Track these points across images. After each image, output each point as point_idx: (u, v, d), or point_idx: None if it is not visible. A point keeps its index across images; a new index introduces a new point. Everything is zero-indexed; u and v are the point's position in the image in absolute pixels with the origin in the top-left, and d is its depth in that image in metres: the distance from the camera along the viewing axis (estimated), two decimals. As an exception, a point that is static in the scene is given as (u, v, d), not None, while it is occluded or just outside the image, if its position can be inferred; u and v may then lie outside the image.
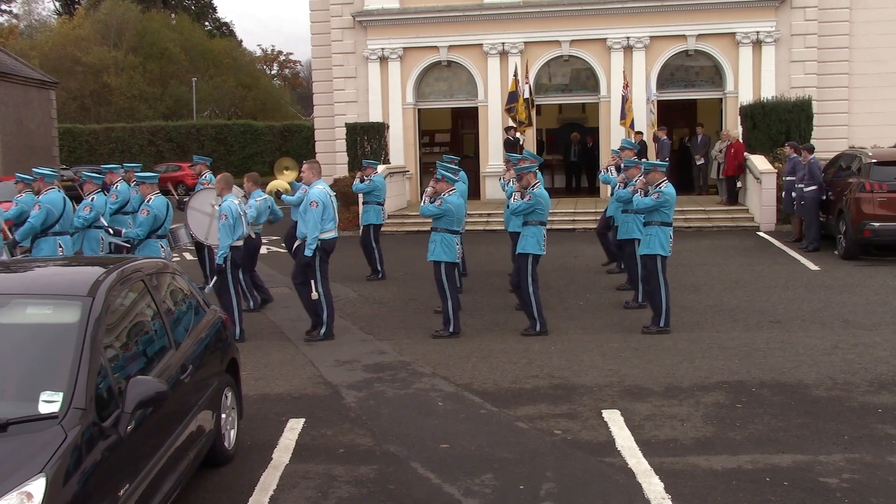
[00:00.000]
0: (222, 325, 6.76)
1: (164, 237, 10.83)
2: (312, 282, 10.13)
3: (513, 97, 21.97)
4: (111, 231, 11.36)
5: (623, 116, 22.02)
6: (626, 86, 22.39)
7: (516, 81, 21.99)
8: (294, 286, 10.61)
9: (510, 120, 22.39)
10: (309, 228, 10.00)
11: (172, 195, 18.07)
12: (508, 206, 11.34)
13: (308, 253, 9.99)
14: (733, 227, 19.59)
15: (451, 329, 10.19)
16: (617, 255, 13.58)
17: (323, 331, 10.23)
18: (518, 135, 22.11)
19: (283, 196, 13.32)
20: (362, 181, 14.68)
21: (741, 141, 21.16)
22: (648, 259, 10.14)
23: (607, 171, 13.76)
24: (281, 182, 13.98)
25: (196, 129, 47.87)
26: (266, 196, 12.07)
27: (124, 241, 10.94)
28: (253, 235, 11.82)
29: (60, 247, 11.04)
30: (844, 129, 23.92)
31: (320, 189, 10.21)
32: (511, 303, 11.59)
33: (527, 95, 21.93)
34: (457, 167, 12.27)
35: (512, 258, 12.24)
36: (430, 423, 7.23)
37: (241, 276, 11.77)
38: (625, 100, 22.10)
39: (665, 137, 21.93)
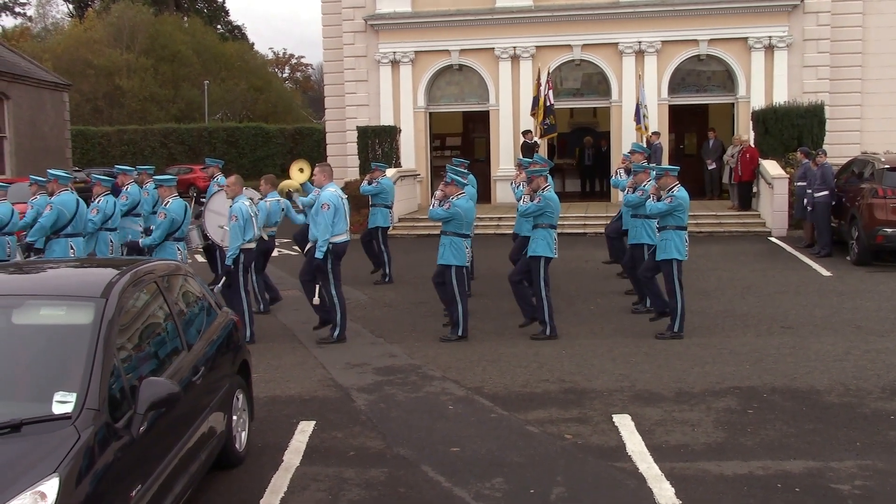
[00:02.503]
0: (234, 327, 6.78)
1: (181, 240, 10.83)
2: (317, 286, 10.15)
3: (535, 101, 22.03)
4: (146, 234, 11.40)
5: (638, 119, 21.97)
6: (643, 86, 22.32)
7: (538, 86, 22.03)
8: (301, 284, 10.62)
9: (533, 123, 22.42)
10: (319, 231, 10.01)
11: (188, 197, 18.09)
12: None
13: (319, 255, 10.00)
14: (745, 232, 19.52)
15: (459, 333, 10.20)
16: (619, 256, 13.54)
17: (336, 333, 10.24)
18: (536, 139, 22.13)
19: (297, 197, 13.31)
20: (370, 183, 14.69)
21: (753, 146, 21.07)
22: (664, 263, 10.12)
23: (618, 174, 13.73)
24: (292, 182, 13.99)
25: (208, 131, 48.06)
26: (280, 198, 12.08)
27: (144, 247, 10.89)
28: (266, 237, 11.84)
29: (72, 248, 11.05)
30: (857, 135, 23.83)
31: (332, 192, 10.22)
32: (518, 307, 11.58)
33: (550, 101, 21.96)
34: (466, 171, 12.28)
35: (510, 257, 12.26)
36: (441, 426, 7.24)
37: (252, 277, 11.81)
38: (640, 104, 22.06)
39: (658, 142, 21.86)
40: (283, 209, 12.03)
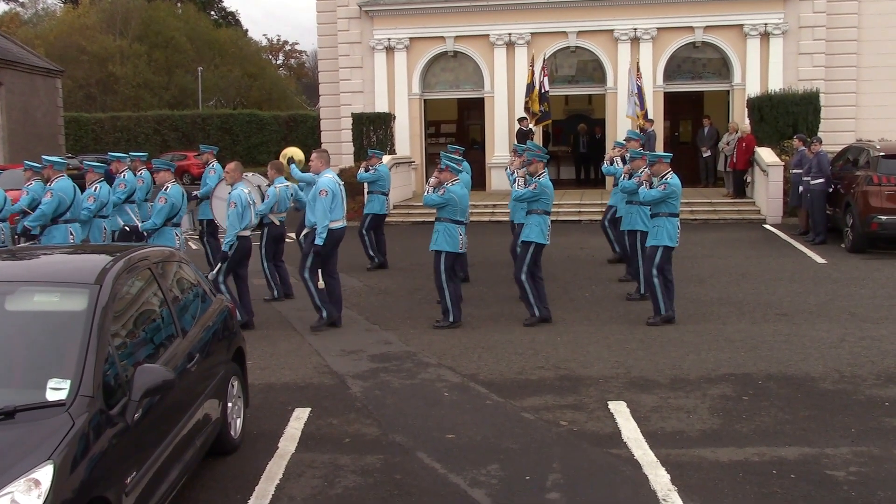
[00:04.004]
0: (229, 314, 6.76)
1: (178, 225, 10.78)
2: (319, 272, 10.14)
3: (529, 88, 21.98)
4: (128, 229, 11.32)
5: (641, 108, 21.86)
6: (640, 76, 22.24)
7: (532, 72, 21.98)
8: (299, 278, 10.61)
9: (524, 110, 22.36)
10: (318, 217, 9.99)
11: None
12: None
13: (319, 242, 9.98)
14: (739, 219, 19.54)
15: (450, 319, 10.19)
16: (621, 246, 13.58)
17: (323, 315, 10.22)
18: (531, 125, 22.09)
19: (293, 168, 13.26)
20: (367, 171, 14.65)
21: (751, 134, 21.01)
22: (651, 249, 10.14)
23: (612, 162, 13.69)
24: (296, 150, 13.89)
25: (202, 118, 47.90)
26: (288, 184, 12.02)
27: (143, 231, 10.82)
28: (277, 223, 11.80)
29: (71, 234, 11.02)
30: (852, 122, 23.84)
31: (329, 178, 10.20)
32: (517, 293, 11.58)
33: (545, 89, 21.88)
34: (460, 157, 12.24)
35: (511, 249, 12.23)
36: (436, 413, 7.23)
37: (264, 265, 11.80)
38: (639, 89, 21.95)
39: (652, 129, 21.81)
40: (291, 194, 11.99)
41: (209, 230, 13.02)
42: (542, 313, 10.25)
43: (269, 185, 11.71)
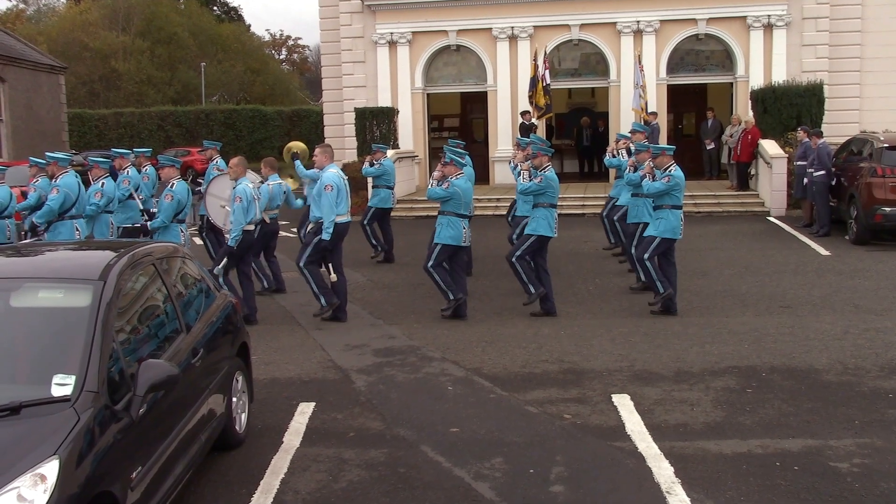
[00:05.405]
0: (233, 309, 6.78)
1: (183, 221, 10.80)
2: (328, 265, 10.19)
3: (533, 82, 21.94)
4: (147, 216, 11.36)
5: (635, 103, 21.82)
6: (642, 68, 22.19)
7: (535, 66, 21.95)
8: (297, 268, 10.62)
9: (528, 104, 22.33)
10: (324, 212, 10.01)
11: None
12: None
13: (325, 237, 10.01)
14: (743, 212, 19.51)
15: (450, 296, 10.21)
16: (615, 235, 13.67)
17: (322, 303, 10.25)
18: (534, 119, 22.07)
19: (297, 165, 13.28)
20: (372, 165, 14.66)
21: (755, 126, 20.95)
22: (650, 238, 10.17)
23: (615, 154, 13.68)
24: (298, 143, 13.92)
25: (205, 114, 47.90)
26: (281, 181, 12.06)
27: (151, 229, 10.85)
28: (268, 220, 11.82)
29: (77, 230, 11.06)
30: (856, 114, 23.75)
31: (334, 173, 10.22)
32: (519, 288, 11.58)
33: (547, 81, 21.87)
34: (463, 151, 12.24)
35: (510, 241, 12.27)
36: (440, 407, 7.25)
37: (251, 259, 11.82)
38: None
39: (655, 122, 21.76)
40: (284, 192, 12.01)
41: (209, 225, 13.05)
42: (547, 307, 10.27)
43: (262, 182, 11.73)
